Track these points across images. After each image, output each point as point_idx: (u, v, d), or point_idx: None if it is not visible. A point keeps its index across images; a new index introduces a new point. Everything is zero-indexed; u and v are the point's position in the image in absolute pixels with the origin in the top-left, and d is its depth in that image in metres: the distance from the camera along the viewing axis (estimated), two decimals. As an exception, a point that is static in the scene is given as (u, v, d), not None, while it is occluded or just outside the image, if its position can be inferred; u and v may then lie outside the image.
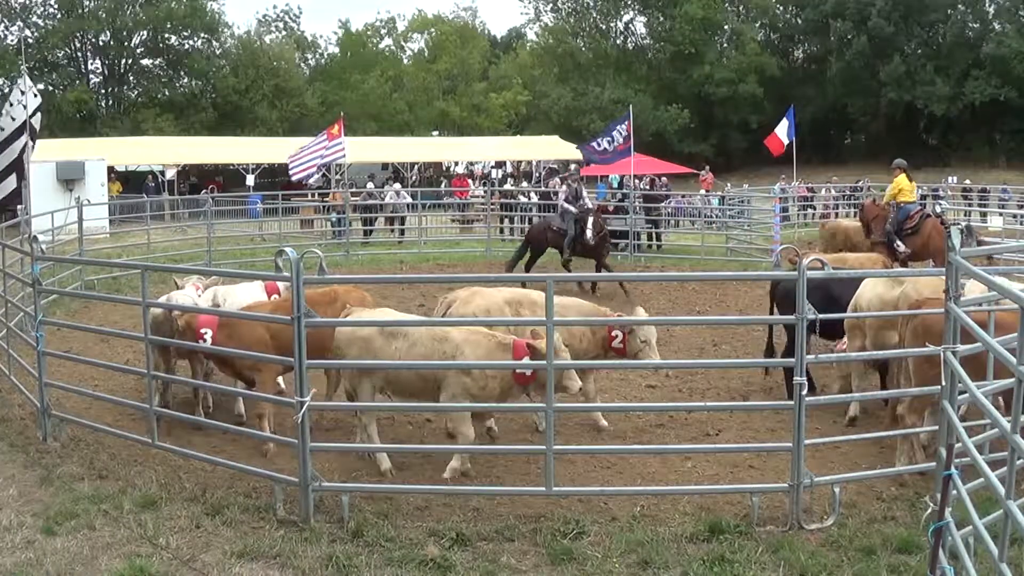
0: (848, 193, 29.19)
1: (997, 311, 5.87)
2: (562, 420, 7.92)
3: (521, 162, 48.83)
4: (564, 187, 17.42)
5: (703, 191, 30.78)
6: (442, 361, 6.68)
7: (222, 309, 8.48)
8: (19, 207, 15.22)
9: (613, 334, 7.79)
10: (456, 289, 8.64)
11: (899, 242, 14.99)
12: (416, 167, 45.14)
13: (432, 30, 63.62)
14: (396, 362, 6.83)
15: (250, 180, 37.93)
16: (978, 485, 4.52)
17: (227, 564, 5.52)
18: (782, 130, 26.79)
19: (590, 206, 16.62)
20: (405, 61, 63.87)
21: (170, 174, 36.72)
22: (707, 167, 36.79)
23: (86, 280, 15.66)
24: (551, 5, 62.31)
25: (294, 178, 23.30)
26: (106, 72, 53.59)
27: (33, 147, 14.65)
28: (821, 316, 6.67)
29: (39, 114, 14.81)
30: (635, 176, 21.99)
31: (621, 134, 20.95)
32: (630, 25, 62.24)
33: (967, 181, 33.43)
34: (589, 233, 15.92)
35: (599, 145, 21.55)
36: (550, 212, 24.37)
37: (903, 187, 15.55)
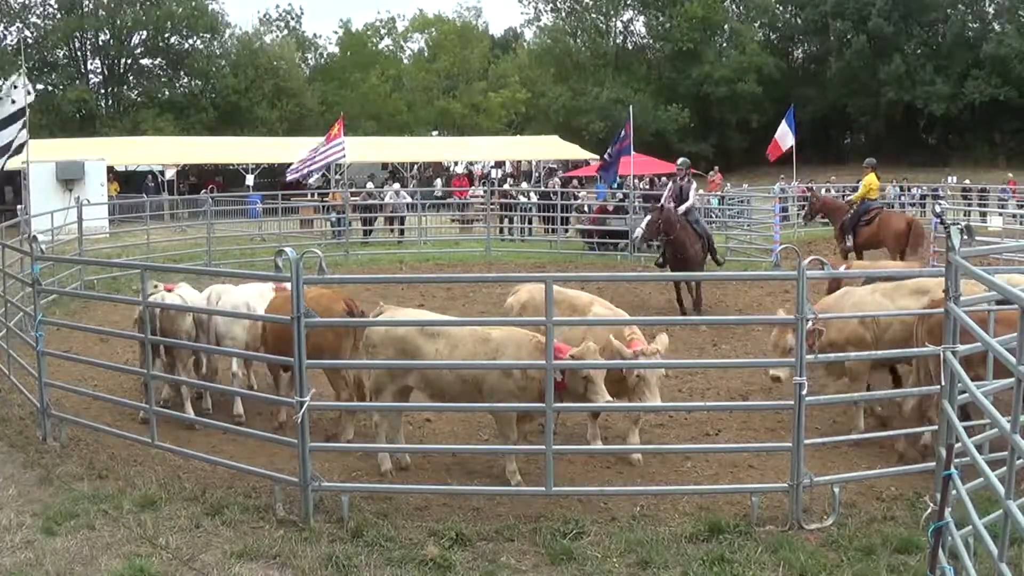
0: (848, 193, 29.16)
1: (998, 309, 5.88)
2: (560, 419, 7.92)
3: (521, 162, 48.86)
4: (671, 184, 15.04)
5: (706, 192, 30.79)
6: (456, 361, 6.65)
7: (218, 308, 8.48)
8: (19, 206, 15.36)
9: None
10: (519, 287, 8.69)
11: (850, 236, 16.00)
12: (416, 167, 45.19)
13: (432, 30, 63.67)
14: (393, 362, 6.85)
15: (250, 180, 37.97)
16: (978, 485, 4.52)
17: (227, 564, 5.52)
18: (782, 135, 26.82)
19: (684, 208, 13.79)
20: (405, 61, 63.95)
21: (170, 174, 36.75)
22: (716, 168, 36.81)
23: (86, 280, 15.65)
24: (551, 5, 62.40)
25: (289, 178, 23.34)
26: (106, 72, 53.62)
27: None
28: (822, 316, 6.68)
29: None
30: (635, 176, 21.96)
31: (620, 134, 21.10)
32: (629, 25, 62.41)
33: (967, 181, 33.44)
34: (638, 231, 13.92)
35: (610, 157, 21.81)
36: (549, 212, 24.49)
37: (873, 186, 16.64)
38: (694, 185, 14.44)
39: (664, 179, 30.83)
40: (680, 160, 15.03)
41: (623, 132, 21.25)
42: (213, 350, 8.44)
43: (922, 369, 7.09)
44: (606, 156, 22.58)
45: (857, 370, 7.62)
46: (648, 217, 13.58)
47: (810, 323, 6.06)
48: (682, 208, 13.73)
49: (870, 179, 16.61)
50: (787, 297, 13.42)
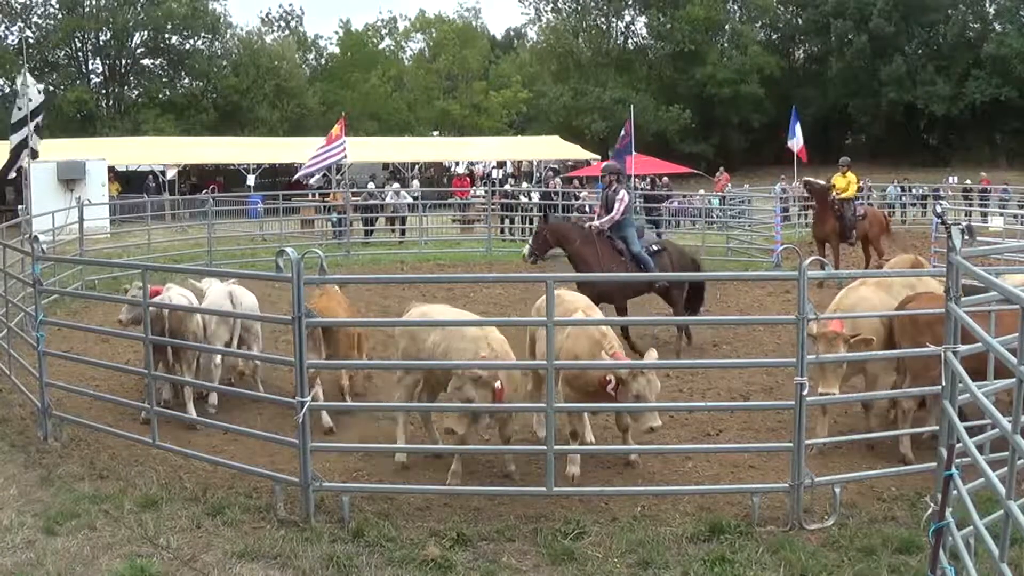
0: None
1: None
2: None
3: (522, 162, 48.85)
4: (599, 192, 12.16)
5: (707, 192, 30.80)
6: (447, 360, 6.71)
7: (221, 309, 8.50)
8: (20, 207, 15.36)
9: (607, 378, 6.65)
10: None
11: (853, 231, 16.89)
12: (416, 167, 45.19)
13: (432, 30, 63.69)
14: (386, 362, 6.87)
15: (251, 180, 38.00)
16: (978, 485, 4.52)
17: (228, 564, 5.52)
18: (797, 136, 26.88)
19: (602, 221, 11.28)
20: (406, 61, 63.97)
21: (171, 174, 36.75)
22: (721, 168, 36.86)
23: (87, 280, 15.66)
24: (551, 5, 62.41)
25: (300, 176, 23.14)
26: (107, 72, 53.60)
27: (34, 145, 14.78)
28: (822, 316, 6.68)
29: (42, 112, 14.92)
30: (636, 176, 21.99)
31: (620, 135, 21.17)
32: (631, 25, 62.41)
33: (967, 181, 33.43)
34: (525, 249, 11.63)
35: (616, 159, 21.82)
36: (550, 212, 24.45)
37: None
38: (621, 194, 11.32)
39: (665, 179, 30.83)
40: (604, 165, 12.68)
41: (623, 132, 21.28)
42: (219, 351, 8.45)
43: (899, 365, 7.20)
44: (611, 158, 22.58)
45: (876, 372, 7.59)
46: (541, 232, 11.28)
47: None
48: (599, 222, 11.30)
49: (852, 177, 17.47)
50: (788, 298, 13.43)
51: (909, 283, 8.02)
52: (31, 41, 49.07)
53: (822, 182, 17.35)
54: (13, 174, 14.73)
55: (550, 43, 61.83)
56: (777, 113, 41.20)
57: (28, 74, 15.16)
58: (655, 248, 11.49)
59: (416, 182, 35.52)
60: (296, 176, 24.65)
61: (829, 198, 16.81)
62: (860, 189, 21.10)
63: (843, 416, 8.25)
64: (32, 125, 14.30)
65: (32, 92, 14.31)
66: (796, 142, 27.01)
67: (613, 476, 6.99)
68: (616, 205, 11.25)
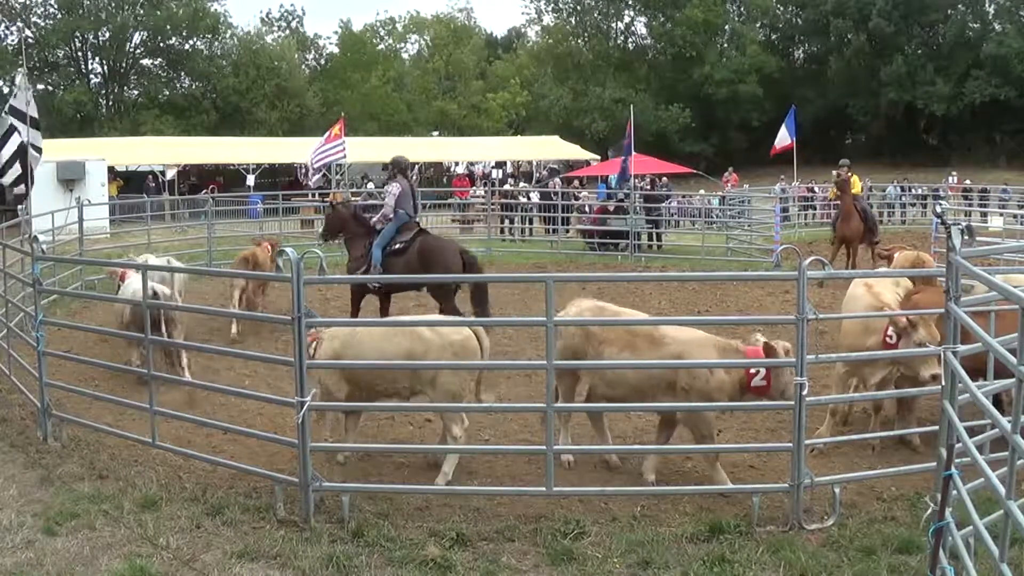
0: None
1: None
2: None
3: (521, 162, 48.84)
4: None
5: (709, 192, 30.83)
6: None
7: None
8: (19, 208, 15.27)
9: (752, 371, 6.45)
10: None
11: (872, 231, 17.42)
12: (416, 167, 45.15)
13: (431, 31, 63.64)
14: (390, 362, 6.85)
15: (250, 180, 38.01)
16: (978, 485, 4.52)
17: (227, 564, 5.52)
18: (781, 137, 26.89)
19: (376, 217, 11.61)
20: (406, 62, 63.92)
21: (170, 174, 36.74)
22: (731, 168, 36.93)
23: (86, 280, 15.65)
24: (552, 5, 62.38)
25: (313, 179, 23.07)
26: (106, 72, 53.52)
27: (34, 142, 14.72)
28: (823, 316, 6.67)
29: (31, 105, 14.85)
30: (635, 176, 21.98)
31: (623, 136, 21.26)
32: (631, 26, 62.38)
33: (967, 181, 33.44)
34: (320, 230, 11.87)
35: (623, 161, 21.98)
36: (550, 212, 24.50)
37: None
38: (390, 188, 11.50)
39: (664, 179, 30.79)
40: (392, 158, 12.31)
41: (626, 134, 21.34)
42: (220, 351, 8.46)
43: None
44: (620, 159, 22.64)
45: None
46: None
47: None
48: (375, 217, 11.62)
49: (854, 179, 18.09)
50: (787, 298, 13.43)
51: (894, 280, 8.34)
52: (30, 41, 48.98)
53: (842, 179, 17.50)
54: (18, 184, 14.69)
55: (549, 44, 61.79)
56: (777, 113, 41.13)
57: (23, 75, 15.13)
58: (396, 247, 11.22)
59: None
60: (311, 179, 24.52)
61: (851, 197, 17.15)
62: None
63: (844, 416, 8.24)
64: (28, 122, 14.23)
65: (22, 96, 14.27)
66: (781, 139, 27.01)
67: (613, 476, 6.99)
68: (386, 199, 11.40)
